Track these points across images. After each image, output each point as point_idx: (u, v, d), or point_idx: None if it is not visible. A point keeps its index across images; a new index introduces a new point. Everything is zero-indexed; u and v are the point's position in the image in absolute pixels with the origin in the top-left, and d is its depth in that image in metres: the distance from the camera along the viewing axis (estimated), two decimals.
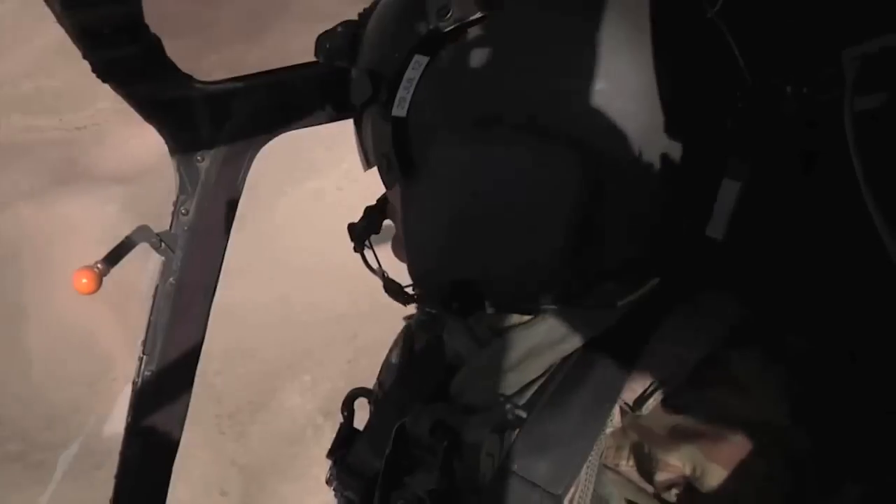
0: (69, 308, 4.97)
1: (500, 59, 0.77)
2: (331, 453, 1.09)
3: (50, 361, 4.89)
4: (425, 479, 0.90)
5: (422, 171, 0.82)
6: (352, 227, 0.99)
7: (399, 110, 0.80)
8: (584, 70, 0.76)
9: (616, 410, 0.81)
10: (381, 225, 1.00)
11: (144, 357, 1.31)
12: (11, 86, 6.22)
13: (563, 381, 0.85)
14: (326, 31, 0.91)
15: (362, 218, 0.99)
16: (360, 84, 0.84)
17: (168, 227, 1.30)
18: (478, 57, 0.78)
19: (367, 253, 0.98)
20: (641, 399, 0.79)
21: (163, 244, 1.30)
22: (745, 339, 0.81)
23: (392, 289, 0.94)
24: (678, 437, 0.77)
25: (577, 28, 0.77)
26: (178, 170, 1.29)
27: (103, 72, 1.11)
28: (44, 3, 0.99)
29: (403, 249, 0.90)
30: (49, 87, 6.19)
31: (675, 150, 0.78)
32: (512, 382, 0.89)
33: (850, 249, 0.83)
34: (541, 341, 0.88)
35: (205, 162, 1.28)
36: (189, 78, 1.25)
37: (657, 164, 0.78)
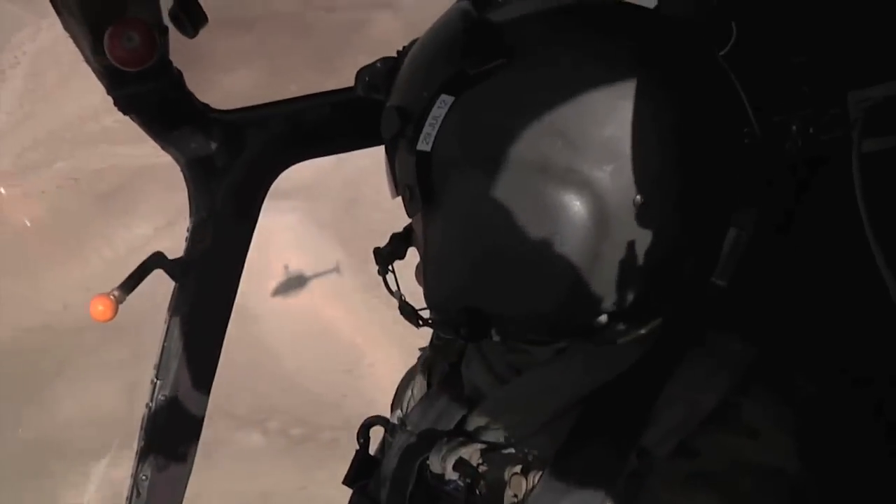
0: (297, 306, 5.19)
1: (518, 103, 0.81)
2: (349, 482, 1.10)
3: (298, 354, 5.11)
4: None
5: (441, 203, 0.86)
6: (377, 252, 1.03)
7: (424, 145, 0.85)
8: (597, 116, 0.80)
9: (634, 455, 0.82)
10: (406, 251, 1.04)
11: (158, 382, 1.32)
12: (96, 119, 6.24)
13: (583, 424, 0.87)
14: (366, 66, 0.97)
15: (388, 243, 1.04)
16: (390, 119, 0.89)
17: (184, 254, 1.31)
18: (498, 100, 0.82)
19: (389, 277, 1.02)
20: (658, 444, 0.81)
21: (177, 271, 1.31)
22: (755, 383, 0.83)
23: (407, 311, 0.98)
24: (692, 482, 0.79)
25: (590, 75, 0.81)
26: (194, 197, 1.30)
27: (125, 107, 1.13)
28: None
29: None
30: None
31: (684, 196, 0.82)
32: (531, 421, 0.92)
33: (853, 290, 0.86)
34: (559, 382, 0.91)
35: (220, 190, 1.29)
36: (206, 107, 1.27)
37: (665, 209, 0.81)
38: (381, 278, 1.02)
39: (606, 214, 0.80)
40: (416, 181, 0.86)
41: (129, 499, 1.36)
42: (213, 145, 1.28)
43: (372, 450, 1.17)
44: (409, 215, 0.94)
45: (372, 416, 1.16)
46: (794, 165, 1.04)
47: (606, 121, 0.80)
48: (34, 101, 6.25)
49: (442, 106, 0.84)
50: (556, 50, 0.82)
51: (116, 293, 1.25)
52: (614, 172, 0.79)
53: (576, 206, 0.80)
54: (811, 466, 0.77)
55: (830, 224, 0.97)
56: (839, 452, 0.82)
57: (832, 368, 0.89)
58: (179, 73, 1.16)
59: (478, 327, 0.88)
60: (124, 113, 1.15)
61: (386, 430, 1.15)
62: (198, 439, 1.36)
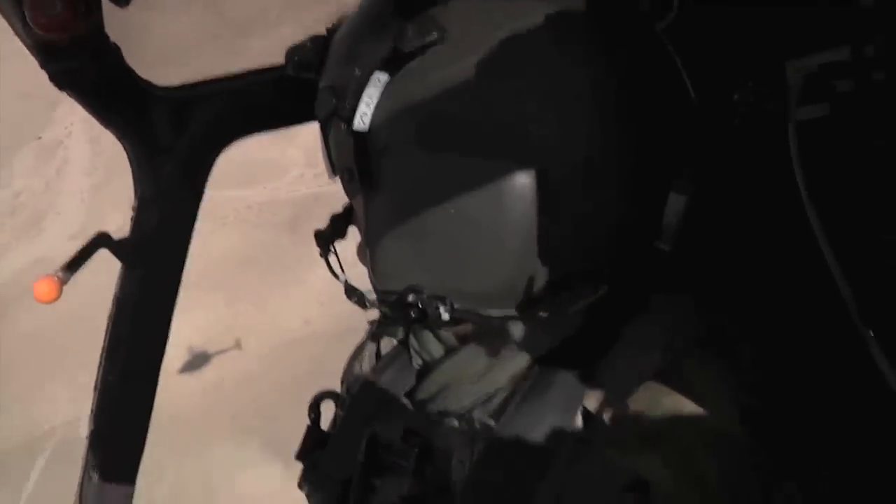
0: None
1: (455, 79, 0.81)
2: (301, 456, 1.11)
3: None
4: (396, 484, 0.93)
5: (381, 184, 0.86)
6: (318, 234, 1.02)
7: (360, 125, 0.84)
8: (535, 89, 0.80)
9: (578, 418, 0.84)
10: (346, 230, 1.03)
11: (105, 364, 1.30)
12: None
13: (528, 390, 0.89)
14: (296, 45, 0.95)
15: (328, 225, 1.03)
16: (324, 98, 0.88)
17: (129, 233, 1.29)
18: (435, 77, 0.81)
19: (332, 259, 1.02)
20: (601, 407, 0.83)
21: (123, 251, 1.29)
22: (699, 347, 0.85)
23: (353, 294, 0.97)
24: (636, 442, 0.80)
25: (528, 49, 0.81)
26: (138, 176, 1.28)
27: (61, 81, 1.10)
28: None
29: (365, 254, 0.93)
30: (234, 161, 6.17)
31: (626, 165, 0.83)
32: (479, 390, 0.93)
33: (791, 256, 0.88)
34: (505, 350, 0.91)
35: (165, 168, 1.27)
36: (148, 84, 1.25)
37: (607, 177, 0.82)
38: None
39: (549, 185, 0.80)
40: (353, 162, 0.85)
41: (81, 485, 1.35)
42: (156, 123, 1.26)
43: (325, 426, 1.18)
44: (350, 197, 0.93)
45: (322, 391, 1.17)
46: (735, 135, 1.05)
47: (546, 90, 0.80)
48: (110, 159, 6.16)
49: (376, 84, 0.82)
50: (492, 22, 0.81)
51: (60, 274, 1.22)
52: (555, 142, 0.80)
53: (517, 178, 0.80)
54: (752, 428, 0.79)
55: (770, 191, 0.99)
56: (780, 414, 0.84)
57: (773, 332, 0.91)
58: (117, 48, 1.14)
59: (424, 307, 0.87)
60: (61, 88, 1.12)
61: (336, 404, 1.15)
62: (147, 424, 1.34)
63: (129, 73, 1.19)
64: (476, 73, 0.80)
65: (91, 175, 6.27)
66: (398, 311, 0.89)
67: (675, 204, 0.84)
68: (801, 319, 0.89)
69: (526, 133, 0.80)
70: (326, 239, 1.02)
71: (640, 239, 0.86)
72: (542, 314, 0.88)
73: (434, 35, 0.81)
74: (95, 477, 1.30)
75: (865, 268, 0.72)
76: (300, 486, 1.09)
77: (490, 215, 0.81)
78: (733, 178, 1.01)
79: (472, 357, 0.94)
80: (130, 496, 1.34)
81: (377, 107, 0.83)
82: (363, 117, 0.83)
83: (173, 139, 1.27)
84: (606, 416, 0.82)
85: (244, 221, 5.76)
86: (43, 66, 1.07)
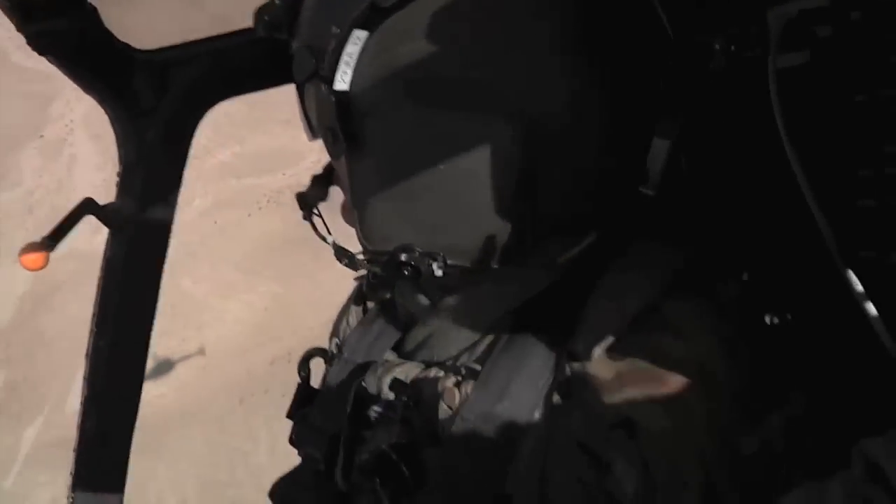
0: None
1: (437, 34, 0.80)
2: (291, 413, 1.12)
3: None
4: (386, 434, 0.94)
5: (366, 142, 0.85)
6: (301, 196, 1.02)
7: (341, 84, 0.83)
8: (517, 41, 0.80)
9: (563, 362, 0.85)
10: (327, 192, 1.03)
11: (96, 330, 1.31)
12: (210, 155, 6.04)
13: (513, 336, 0.90)
14: (265, 4, 0.93)
15: (310, 187, 1.02)
16: (303, 59, 0.87)
17: (115, 199, 1.28)
18: (416, 31, 0.81)
19: (317, 221, 1.02)
20: (586, 348, 0.84)
21: (109, 217, 1.29)
22: (679, 287, 0.86)
23: (343, 255, 0.97)
24: (620, 381, 0.82)
25: (507, 2, 0.80)
26: (122, 141, 1.27)
27: (39, 45, 1.09)
28: None
29: (351, 215, 0.94)
30: (248, 153, 6.13)
31: (608, 112, 0.83)
32: (464, 337, 0.94)
33: (772, 198, 0.89)
34: (489, 298, 0.93)
35: (148, 132, 1.26)
36: (127, 47, 1.23)
37: (591, 126, 0.83)
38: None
39: (534, 134, 0.81)
40: (337, 123, 0.85)
41: (77, 449, 1.36)
42: (137, 86, 1.25)
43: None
44: (333, 158, 0.93)
45: (311, 349, 1.18)
46: (715, 83, 1.06)
47: (527, 40, 0.80)
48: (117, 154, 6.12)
49: (356, 42, 0.82)
50: None
51: (47, 241, 1.22)
52: (539, 95, 0.80)
53: (504, 128, 0.80)
54: (734, 361, 0.81)
55: (751, 138, 1.00)
56: (759, 348, 0.86)
57: (753, 269, 0.93)
58: (94, 9, 1.12)
59: (417, 265, 0.88)
60: (40, 52, 1.11)
61: (326, 361, 1.16)
62: (141, 386, 1.36)
63: (108, 35, 1.18)
64: (455, 27, 0.80)
65: (101, 170, 6.21)
66: (391, 271, 0.89)
67: (659, 148, 0.85)
68: (780, 257, 0.90)
69: (507, 85, 0.80)
70: (309, 202, 1.01)
71: (625, 184, 0.87)
72: (537, 265, 0.89)
73: None
74: (90, 439, 1.32)
75: (844, 205, 0.74)
76: (291, 442, 1.10)
77: (478, 169, 0.82)
78: (714, 123, 1.02)
79: (457, 306, 0.95)
80: (127, 457, 1.35)
81: (357, 65, 0.82)
82: (344, 76, 0.82)
83: (155, 102, 1.26)
84: (590, 358, 0.84)
85: (280, 205, 5.78)
86: (20, 28, 1.06)
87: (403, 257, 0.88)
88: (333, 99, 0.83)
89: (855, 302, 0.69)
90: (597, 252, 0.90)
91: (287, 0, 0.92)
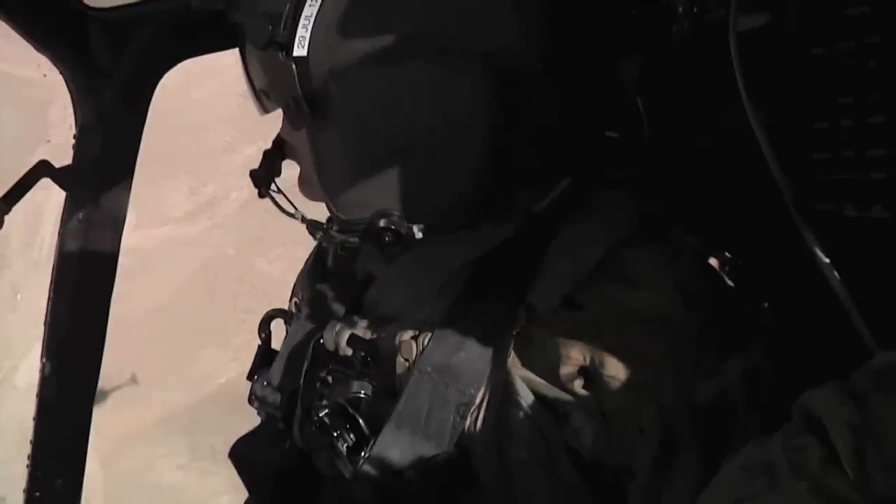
0: None
1: None
2: (251, 374, 1.11)
3: None
4: (343, 389, 0.94)
5: (330, 109, 0.83)
6: (254, 174, 0.98)
7: (300, 50, 0.81)
8: None
9: (521, 312, 0.85)
10: (281, 167, 1.00)
11: (54, 296, 1.28)
12: (237, 152, 5.79)
13: (469, 286, 0.90)
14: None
15: (262, 163, 0.99)
16: (257, 27, 0.83)
17: (72, 160, 1.26)
18: None
19: (278, 197, 0.98)
20: (544, 299, 0.84)
21: (66, 179, 1.26)
22: (639, 237, 0.87)
23: (316, 228, 0.95)
24: (578, 332, 0.82)
25: None
26: (78, 102, 1.24)
27: None
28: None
29: (312, 187, 0.92)
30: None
31: (572, 55, 0.84)
32: (422, 291, 0.93)
33: (733, 155, 0.90)
34: (446, 252, 0.92)
35: (105, 93, 1.24)
36: (82, 4, 1.20)
37: (557, 70, 0.83)
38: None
39: (503, 78, 0.79)
40: (299, 91, 0.82)
41: (37, 417, 1.34)
42: (94, 46, 1.22)
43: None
44: (295, 129, 0.90)
45: (271, 310, 1.17)
46: (679, 45, 1.07)
47: None
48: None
49: (313, 4, 0.79)
50: None
51: (1, 205, 1.20)
52: (503, 35, 0.80)
53: (473, 72, 0.79)
54: (693, 309, 0.82)
55: (711, 96, 1.01)
56: (719, 296, 0.87)
57: (712, 221, 0.94)
58: None
59: (398, 229, 0.86)
60: None
61: (286, 322, 1.15)
62: (101, 352, 1.34)
63: None
64: None
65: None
66: (369, 238, 0.88)
67: (622, 89, 0.85)
68: (738, 209, 0.92)
69: (471, 32, 0.80)
70: (265, 179, 0.98)
71: (591, 129, 0.87)
72: (516, 218, 0.89)
73: None
74: (50, 406, 1.30)
75: (801, 160, 0.75)
76: (250, 401, 1.09)
77: (452, 124, 0.81)
78: (675, 79, 1.03)
79: (415, 261, 0.94)
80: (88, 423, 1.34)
81: (315, 28, 0.80)
82: (302, 42, 0.80)
83: (111, 63, 1.23)
84: (547, 308, 0.84)
85: None
86: None
87: (382, 223, 0.86)
88: (293, 65, 0.81)
89: (811, 253, 0.70)
90: (555, 204, 0.90)
91: None
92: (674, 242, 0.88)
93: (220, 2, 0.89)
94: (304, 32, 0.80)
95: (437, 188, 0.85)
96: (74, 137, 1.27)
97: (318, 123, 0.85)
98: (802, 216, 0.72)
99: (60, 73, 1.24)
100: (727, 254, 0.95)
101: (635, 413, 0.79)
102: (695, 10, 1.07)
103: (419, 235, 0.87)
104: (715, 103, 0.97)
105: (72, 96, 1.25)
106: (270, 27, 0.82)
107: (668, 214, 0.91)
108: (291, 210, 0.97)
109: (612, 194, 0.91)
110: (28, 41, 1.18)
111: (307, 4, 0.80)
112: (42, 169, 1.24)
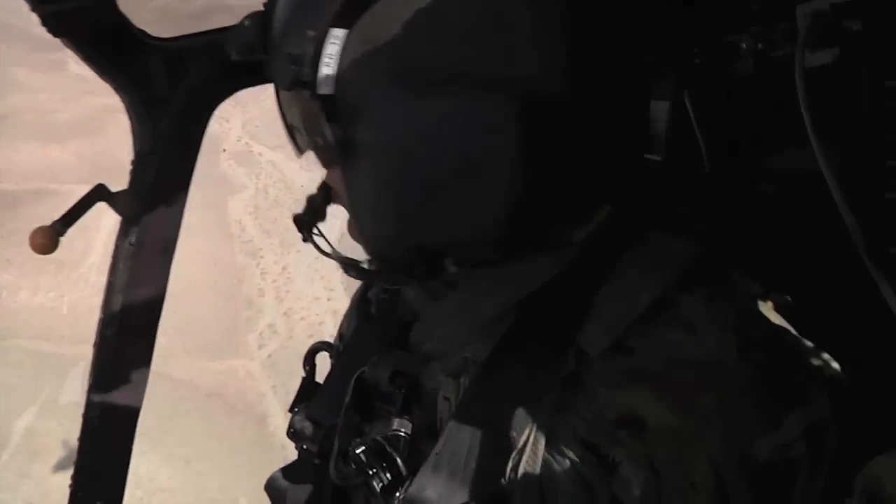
0: None
1: (420, 19, 0.76)
2: (292, 407, 1.10)
3: None
4: (384, 427, 0.91)
5: (357, 146, 0.81)
6: (297, 219, 0.98)
7: (325, 88, 0.79)
8: (507, 17, 0.76)
9: (570, 355, 0.82)
10: (325, 211, 0.98)
11: (104, 317, 1.30)
12: None
13: (518, 325, 0.87)
14: (235, 26, 0.89)
15: (305, 207, 0.98)
16: (282, 69, 0.82)
17: (128, 185, 1.28)
18: (396, 19, 0.77)
19: (319, 240, 0.97)
20: (594, 343, 0.81)
21: (121, 204, 1.28)
22: (694, 280, 0.83)
23: (351, 267, 0.93)
24: (628, 377, 0.79)
25: None
26: (136, 130, 1.27)
27: (54, 25, 1.09)
28: None
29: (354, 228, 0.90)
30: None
31: (602, 77, 0.80)
32: (468, 329, 0.90)
33: (798, 194, 0.86)
34: (490, 289, 0.89)
35: (162, 121, 1.26)
36: (144, 34, 1.23)
37: (587, 93, 0.79)
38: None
39: (531, 105, 0.76)
40: (326, 128, 0.81)
41: (81, 437, 1.35)
42: (152, 74, 1.24)
43: None
44: (326, 168, 0.89)
45: (316, 343, 1.16)
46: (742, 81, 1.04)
47: (519, 22, 0.76)
48: None
49: (335, 42, 0.78)
50: None
51: (57, 226, 1.22)
52: (529, 61, 0.76)
53: (503, 110, 0.76)
54: (749, 356, 0.78)
55: (776, 135, 0.97)
56: (778, 342, 0.82)
57: (773, 269, 0.89)
58: None
59: (430, 264, 0.84)
60: (55, 34, 1.11)
61: (330, 355, 1.14)
62: (147, 375, 1.34)
63: (124, 19, 1.17)
64: (442, 11, 0.76)
65: None
66: (404, 274, 0.86)
67: (658, 110, 0.82)
68: (804, 252, 0.87)
69: (496, 60, 0.76)
70: (307, 224, 0.97)
71: (630, 153, 0.83)
72: (552, 249, 0.86)
73: None
74: (95, 423, 1.31)
75: (872, 200, 0.71)
76: (289, 435, 1.07)
77: (482, 155, 0.78)
78: (738, 119, 1.00)
79: (460, 298, 0.92)
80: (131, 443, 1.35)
81: (339, 66, 0.79)
82: (327, 80, 0.79)
83: (169, 91, 1.26)
84: (597, 353, 0.81)
85: None
86: (34, 7, 1.05)
87: (415, 259, 0.84)
88: (319, 104, 0.80)
89: (882, 299, 0.66)
90: (604, 239, 0.87)
91: (256, 19, 0.88)
92: (732, 286, 0.84)
93: (259, 52, 0.88)
94: (328, 70, 0.79)
95: (467, 220, 0.82)
96: (132, 163, 1.29)
97: (349, 161, 0.83)
98: (874, 261, 0.67)
99: (121, 100, 1.27)
100: (789, 298, 0.90)
101: (686, 465, 0.75)
102: (759, 46, 1.04)
103: (453, 270, 0.85)
104: (780, 143, 0.94)
105: (131, 123, 1.28)
106: (293, 67, 0.80)
107: (725, 257, 0.87)
108: (329, 249, 0.96)
109: (667, 236, 0.88)
110: (91, 68, 1.21)
111: (329, 43, 0.78)
112: (99, 193, 1.27)
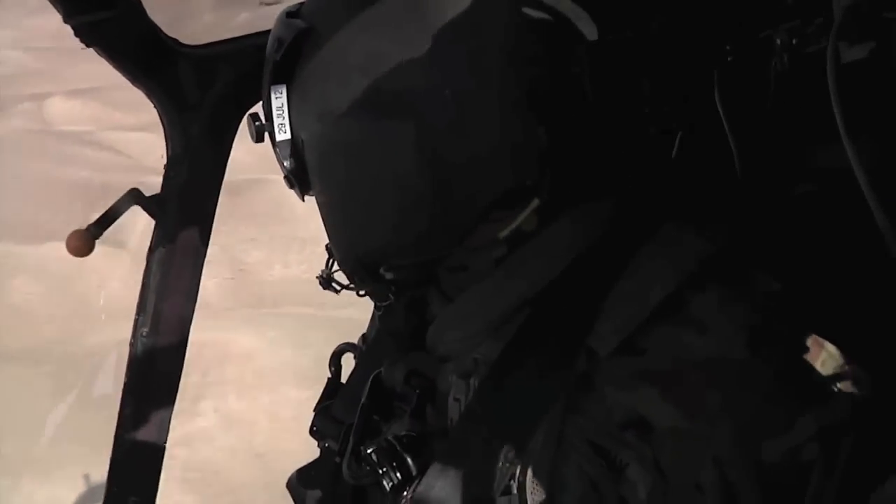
0: None
1: (331, 63, 0.88)
2: (317, 406, 1.13)
3: None
4: (400, 427, 0.94)
5: (312, 179, 0.92)
6: (320, 279, 1.06)
7: (282, 135, 0.91)
8: (397, 47, 0.84)
9: (581, 355, 0.81)
10: None
11: (139, 318, 1.32)
12: None
13: (527, 326, 0.87)
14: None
15: (328, 261, 1.06)
16: (250, 125, 0.96)
17: (161, 189, 1.30)
18: (313, 67, 0.89)
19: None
20: (603, 343, 0.81)
21: (154, 207, 1.30)
22: (709, 278, 0.82)
23: (325, 281, 1.05)
24: (636, 378, 0.78)
25: (384, 15, 0.86)
26: (169, 134, 1.29)
27: (86, 36, 1.11)
28: None
29: None
30: None
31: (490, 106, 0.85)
32: (479, 331, 0.92)
33: (832, 196, 0.83)
34: (502, 288, 0.91)
35: (193, 126, 1.28)
36: (174, 41, 1.25)
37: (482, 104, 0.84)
38: None
39: (431, 133, 0.83)
40: (288, 169, 0.92)
41: (117, 433, 1.38)
42: (183, 80, 1.27)
43: None
44: (303, 199, 0.99)
45: (341, 344, 1.19)
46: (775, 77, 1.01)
47: (406, 50, 0.84)
48: None
49: (278, 95, 0.90)
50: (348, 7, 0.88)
51: (92, 229, 1.25)
52: (424, 94, 0.84)
53: (403, 131, 0.84)
54: (761, 353, 0.77)
55: (812, 134, 0.94)
56: (793, 340, 0.80)
57: (798, 268, 0.87)
58: (139, 2, 1.14)
59: (367, 271, 0.94)
60: (87, 44, 1.13)
61: (354, 356, 1.16)
62: (179, 375, 1.36)
63: (154, 27, 1.19)
64: (349, 53, 0.86)
65: None
66: (358, 285, 0.99)
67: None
68: (832, 256, 0.84)
69: (396, 87, 0.84)
70: (326, 279, 1.06)
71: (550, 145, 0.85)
72: (476, 244, 0.89)
73: (300, 27, 0.88)
74: (128, 421, 1.33)
75: None
76: (312, 433, 1.12)
77: (394, 170, 0.85)
78: (774, 118, 0.97)
79: (469, 300, 0.94)
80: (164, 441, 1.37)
81: (290, 113, 0.90)
82: (282, 128, 0.91)
83: (200, 97, 1.27)
84: (607, 353, 0.80)
85: None
86: (66, 19, 1.07)
87: (358, 269, 0.95)
88: (278, 150, 0.92)
89: None
90: (612, 237, 0.87)
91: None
92: (750, 283, 0.83)
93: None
94: (281, 120, 0.91)
95: (395, 232, 0.90)
96: (164, 168, 1.32)
97: (318, 198, 0.94)
98: None
99: (154, 106, 1.29)
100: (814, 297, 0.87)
101: (693, 468, 0.74)
102: (794, 42, 1.01)
103: (388, 276, 0.94)
104: (816, 142, 0.91)
105: (164, 128, 1.30)
106: (256, 123, 0.95)
107: (746, 255, 0.85)
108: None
109: (682, 230, 0.87)
110: (123, 75, 1.23)
111: (274, 98, 0.90)
112: (133, 197, 1.29)
